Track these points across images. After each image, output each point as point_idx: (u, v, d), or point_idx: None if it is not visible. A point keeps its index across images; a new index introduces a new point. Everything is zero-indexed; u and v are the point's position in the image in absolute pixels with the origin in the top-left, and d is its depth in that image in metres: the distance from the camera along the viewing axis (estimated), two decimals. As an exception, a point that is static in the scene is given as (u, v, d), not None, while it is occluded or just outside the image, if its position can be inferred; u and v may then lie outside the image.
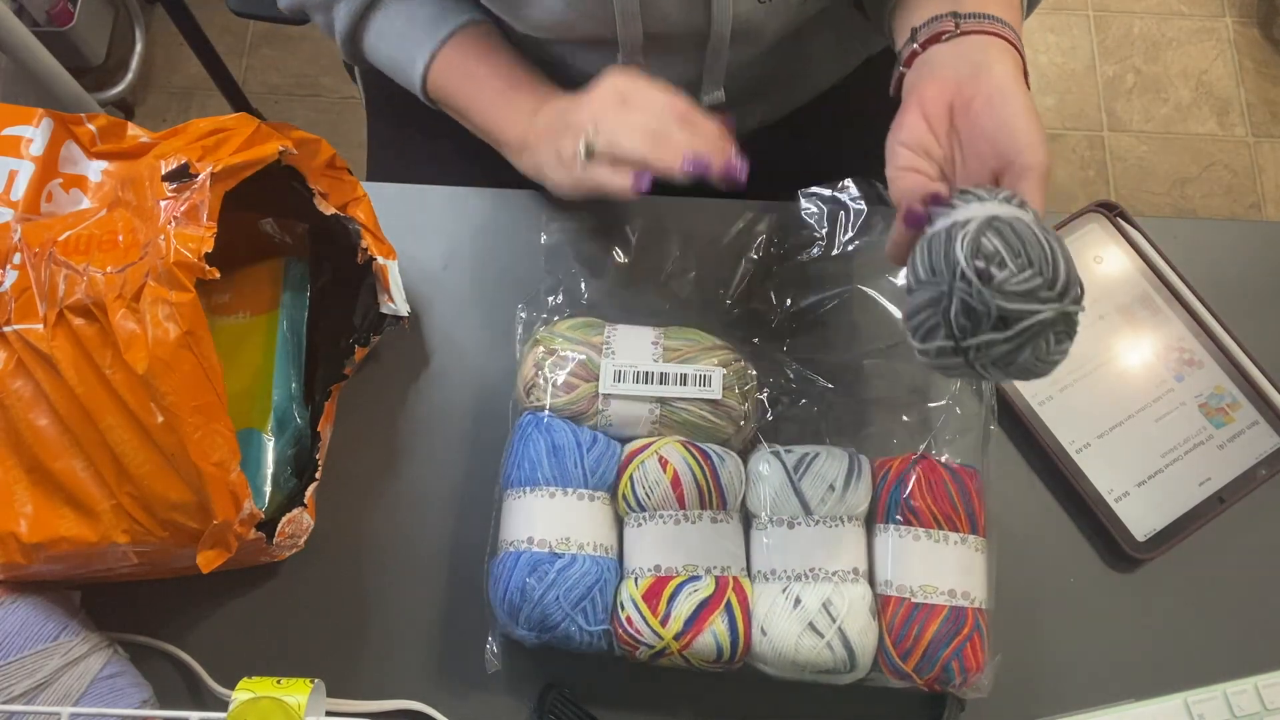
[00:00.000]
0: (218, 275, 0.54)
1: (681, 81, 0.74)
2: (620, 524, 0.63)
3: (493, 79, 0.74)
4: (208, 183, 0.55)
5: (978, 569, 0.60)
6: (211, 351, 0.55)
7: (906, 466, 0.62)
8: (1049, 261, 0.47)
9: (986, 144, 0.53)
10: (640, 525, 0.61)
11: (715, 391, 0.63)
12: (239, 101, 1.54)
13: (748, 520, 0.63)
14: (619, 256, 0.70)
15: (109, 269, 0.55)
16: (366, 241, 0.66)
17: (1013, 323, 0.47)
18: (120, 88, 1.73)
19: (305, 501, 0.64)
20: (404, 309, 0.69)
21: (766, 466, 0.62)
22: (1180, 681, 0.62)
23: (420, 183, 0.78)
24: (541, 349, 0.65)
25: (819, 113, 0.89)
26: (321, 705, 0.60)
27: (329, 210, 0.64)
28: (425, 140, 0.95)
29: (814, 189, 0.70)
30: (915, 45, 0.58)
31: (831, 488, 0.61)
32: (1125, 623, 0.65)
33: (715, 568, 0.60)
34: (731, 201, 0.75)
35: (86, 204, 0.66)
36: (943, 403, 0.67)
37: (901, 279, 0.71)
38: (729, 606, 0.59)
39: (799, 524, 0.61)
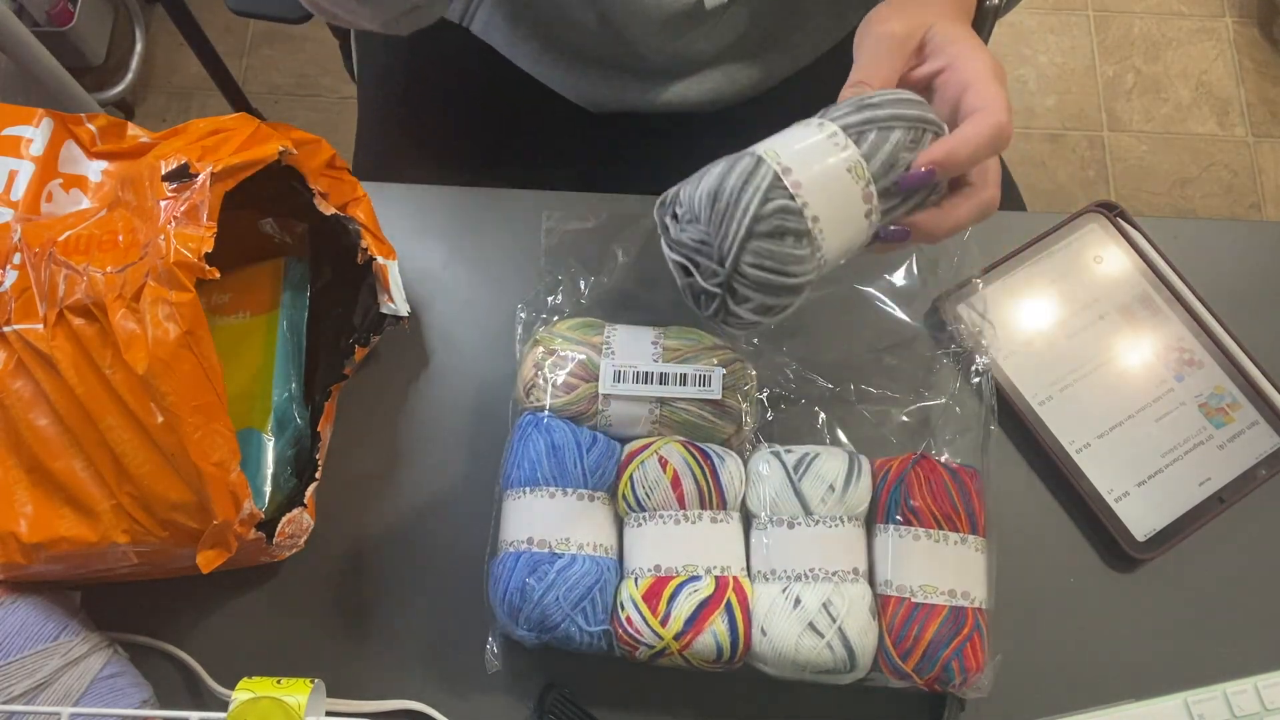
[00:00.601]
0: (218, 275, 0.54)
1: None
2: (620, 524, 0.63)
3: None
4: (208, 183, 0.55)
5: (978, 569, 0.60)
6: (211, 351, 0.55)
7: (906, 466, 0.62)
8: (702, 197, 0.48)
9: None
10: (640, 525, 0.61)
11: (715, 391, 0.63)
12: (239, 101, 1.54)
13: (748, 520, 0.63)
14: (619, 256, 0.70)
15: (109, 269, 0.55)
16: (366, 241, 0.66)
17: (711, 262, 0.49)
18: (120, 88, 1.73)
19: (305, 501, 0.64)
20: (404, 309, 0.69)
21: (766, 466, 0.62)
22: (1180, 681, 0.62)
23: (408, 182, 0.78)
24: (541, 349, 0.65)
25: (821, 79, 0.88)
26: (321, 705, 0.60)
27: (329, 210, 0.64)
28: (417, 140, 0.95)
29: None
30: None
31: (831, 488, 0.61)
32: (1125, 623, 0.65)
33: (715, 568, 0.60)
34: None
35: (86, 204, 0.66)
36: (942, 402, 0.67)
37: (900, 279, 0.71)
38: (729, 606, 0.59)
39: (799, 524, 0.61)
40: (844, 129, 0.49)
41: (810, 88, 0.87)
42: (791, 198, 0.47)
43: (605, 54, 0.80)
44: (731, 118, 0.86)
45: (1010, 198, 0.89)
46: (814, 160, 0.48)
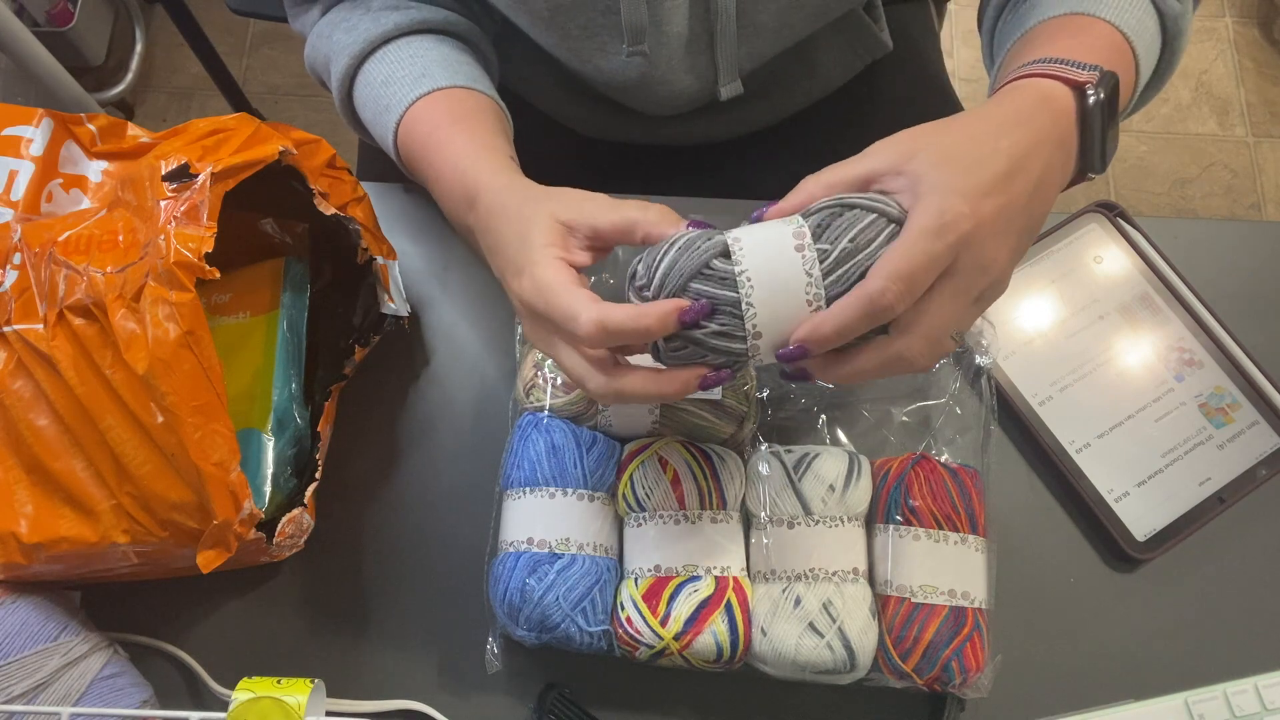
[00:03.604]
0: (218, 275, 0.54)
1: (695, 73, 0.74)
2: (620, 524, 0.63)
3: (473, 132, 0.64)
4: (208, 183, 0.56)
5: (978, 569, 0.60)
6: (211, 351, 0.55)
7: (906, 466, 0.62)
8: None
9: None
10: (640, 525, 0.61)
11: (715, 392, 0.63)
12: (239, 101, 1.54)
13: (748, 520, 0.63)
14: (619, 255, 0.70)
15: (109, 269, 0.55)
16: (366, 241, 0.66)
17: None
18: (120, 88, 1.73)
19: (305, 501, 0.64)
20: (404, 309, 0.69)
21: (766, 466, 0.62)
22: (1180, 681, 0.62)
23: (408, 182, 0.78)
24: (541, 349, 0.65)
25: (825, 114, 0.89)
26: (321, 705, 0.60)
27: (329, 210, 0.64)
28: None
29: None
30: None
31: (831, 488, 0.61)
32: (1125, 623, 0.65)
33: (715, 568, 0.60)
34: (734, 202, 0.75)
35: (86, 204, 0.66)
36: (942, 402, 0.67)
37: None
38: (729, 607, 0.59)
39: (799, 524, 0.61)
40: (820, 257, 0.48)
41: (824, 115, 0.89)
42: (741, 318, 0.48)
43: (614, 103, 0.81)
44: (734, 147, 0.88)
45: None
46: (773, 277, 0.48)
